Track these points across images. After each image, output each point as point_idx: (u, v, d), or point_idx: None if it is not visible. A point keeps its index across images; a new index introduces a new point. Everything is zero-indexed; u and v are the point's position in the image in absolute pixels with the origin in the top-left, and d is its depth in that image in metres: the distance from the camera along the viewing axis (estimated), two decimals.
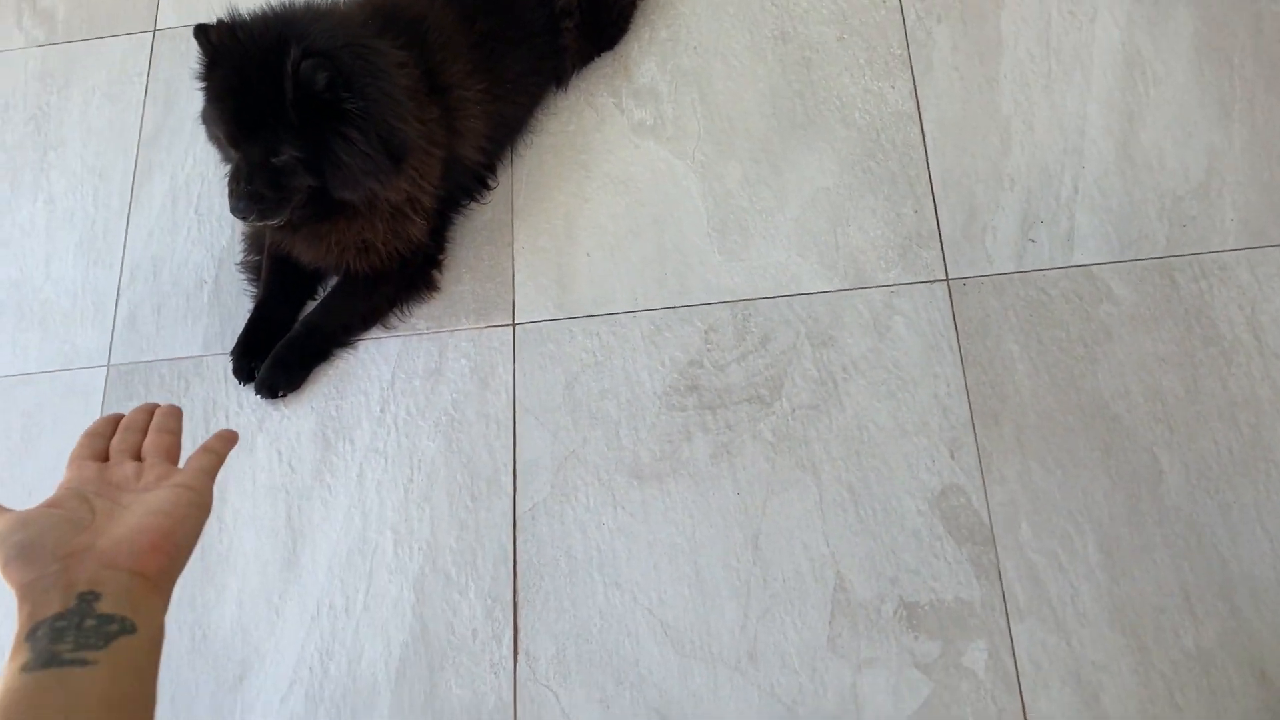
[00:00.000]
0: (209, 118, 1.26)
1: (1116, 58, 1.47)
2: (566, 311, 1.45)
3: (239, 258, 1.54)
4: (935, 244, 1.40)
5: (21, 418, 1.50)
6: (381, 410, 1.43)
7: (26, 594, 0.55)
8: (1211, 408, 1.27)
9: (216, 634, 1.34)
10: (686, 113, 1.54)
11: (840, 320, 1.38)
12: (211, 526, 1.36)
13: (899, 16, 1.55)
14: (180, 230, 1.59)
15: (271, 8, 1.25)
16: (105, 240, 1.60)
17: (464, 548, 1.33)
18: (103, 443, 0.71)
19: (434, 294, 1.48)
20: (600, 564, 1.30)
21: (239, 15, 1.22)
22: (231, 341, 1.47)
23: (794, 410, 1.34)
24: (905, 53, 1.53)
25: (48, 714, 0.50)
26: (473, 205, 1.53)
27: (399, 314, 1.47)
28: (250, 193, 1.22)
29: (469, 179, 1.50)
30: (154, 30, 1.76)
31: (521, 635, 1.28)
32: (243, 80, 1.20)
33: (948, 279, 1.38)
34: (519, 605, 1.30)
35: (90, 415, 1.48)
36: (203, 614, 1.35)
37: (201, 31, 1.21)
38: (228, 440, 0.73)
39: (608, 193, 1.51)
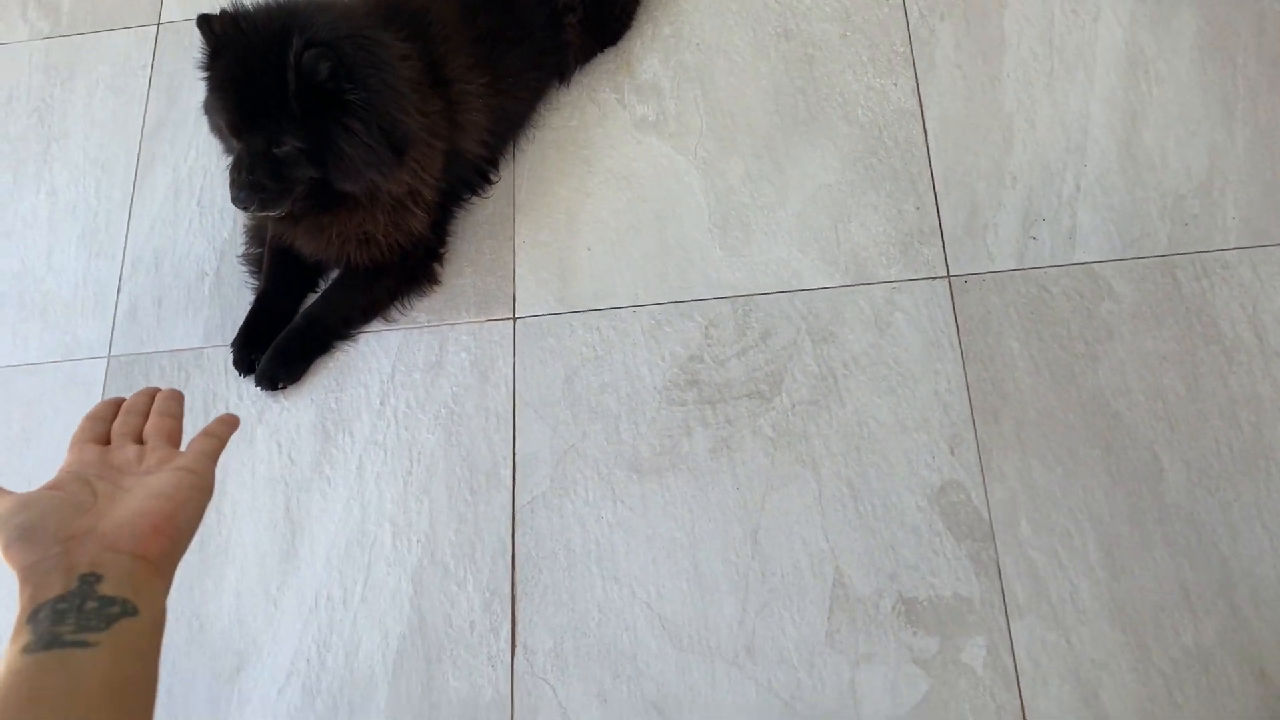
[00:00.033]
0: (211, 107, 1.26)
1: (1119, 56, 1.47)
2: (567, 306, 1.45)
3: (240, 250, 1.54)
4: (937, 241, 1.40)
5: (22, 408, 1.50)
6: (381, 403, 1.43)
7: (28, 576, 0.55)
8: (1212, 406, 1.27)
9: (214, 625, 1.34)
10: (689, 109, 1.54)
11: (841, 316, 1.38)
12: (210, 518, 1.37)
13: (902, 14, 1.55)
14: (182, 223, 1.59)
15: None
16: (107, 232, 1.61)
17: (463, 540, 1.33)
18: (104, 426, 0.71)
19: (435, 287, 1.48)
20: (599, 558, 1.30)
21: (242, 5, 1.23)
22: (232, 334, 1.48)
23: (794, 406, 1.34)
24: (908, 50, 1.53)
25: (49, 695, 0.49)
26: (474, 199, 1.53)
27: (399, 307, 1.47)
28: (252, 183, 1.22)
29: (470, 173, 1.50)
30: (158, 24, 1.76)
31: (519, 628, 1.28)
32: (245, 70, 1.20)
33: (949, 276, 1.38)
34: (517, 598, 1.29)
35: (90, 406, 1.47)
36: (200, 605, 1.35)
37: (205, 21, 1.21)
38: (229, 424, 0.73)
39: (609, 188, 1.51)
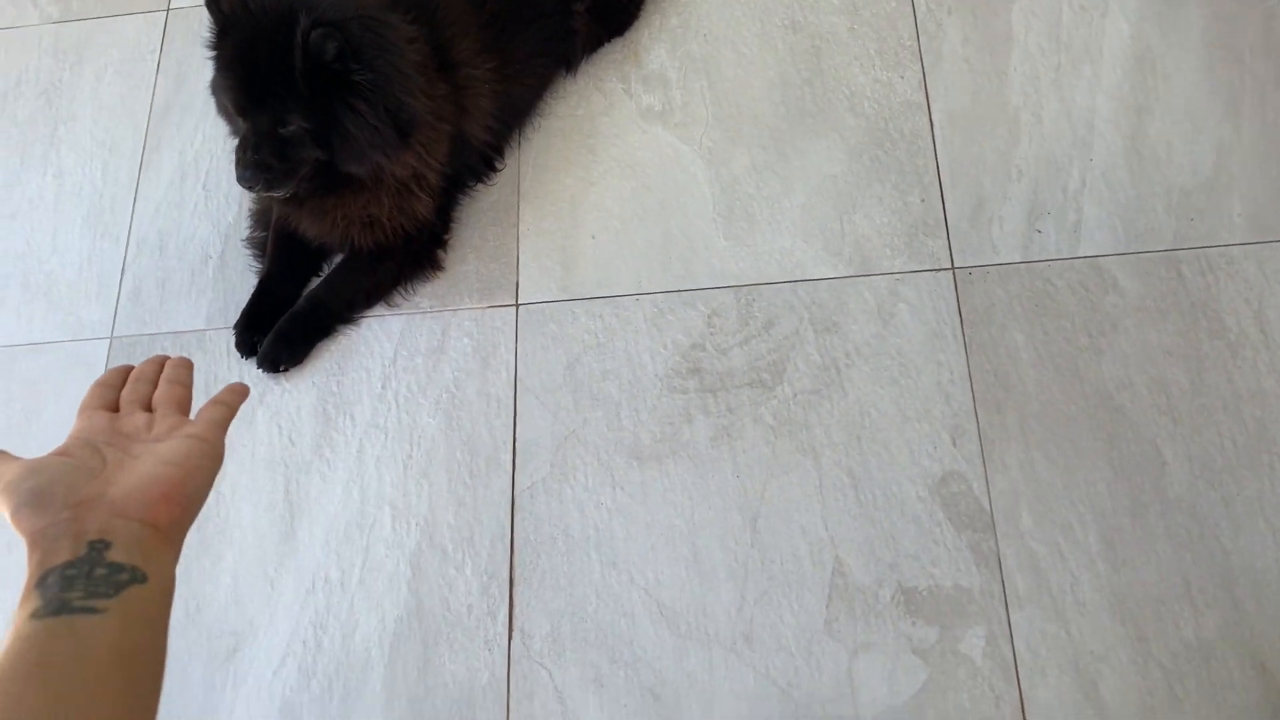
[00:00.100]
0: (219, 87, 1.26)
1: (1126, 53, 1.47)
2: (570, 293, 1.45)
3: (245, 234, 1.54)
4: (941, 233, 1.40)
5: (25, 388, 1.51)
6: (383, 387, 1.42)
7: (37, 541, 0.54)
8: (1216, 401, 1.26)
9: (211, 606, 1.34)
10: (695, 99, 1.55)
11: (844, 307, 1.38)
12: (209, 499, 1.36)
13: (910, 8, 1.55)
14: (187, 206, 1.60)
15: None
16: (113, 214, 1.61)
17: (461, 524, 1.33)
18: (113, 393, 0.70)
19: (438, 273, 1.48)
20: (598, 543, 1.29)
21: None
22: (235, 317, 1.47)
23: (795, 395, 1.33)
24: (915, 44, 1.53)
25: (58, 661, 0.49)
26: (479, 187, 1.53)
27: (403, 292, 1.47)
28: (257, 162, 1.22)
29: (476, 159, 1.50)
30: (167, 9, 1.77)
31: (517, 612, 1.27)
32: (252, 49, 1.20)
33: (953, 268, 1.38)
34: (515, 583, 1.29)
35: None
36: (198, 586, 1.35)
37: (213, 1, 1.21)
38: (239, 393, 0.72)
39: (614, 177, 1.51)
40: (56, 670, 0.48)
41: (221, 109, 1.31)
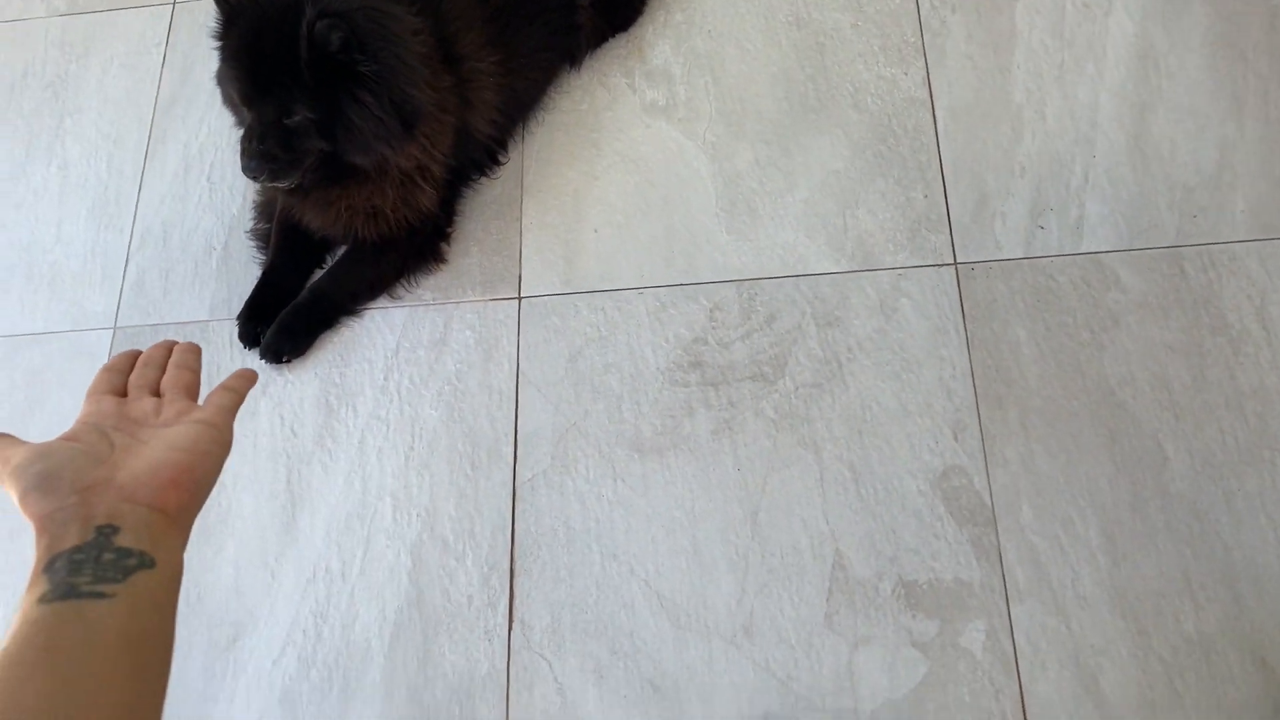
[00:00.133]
0: (224, 77, 1.27)
1: (1130, 50, 1.47)
2: (572, 287, 1.45)
3: (249, 225, 1.55)
4: (944, 228, 1.40)
5: (28, 377, 1.51)
6: (385, 378, 1.43)
7: (45, 525, 0.54)
8: (1218, 397, 1.26)
9: (212, 595, 1.34)
10: (699, 94, 1.55)
11: (847, 301, 1.38)
12: None
13: (914, 5, 1.55)
14: (191, 197, 1.60)
15: None
16: (117, 205, 1.61)
17: (463, 515, 1.33)
18: (121, 378, 0.69)
19: (441, 265, 1.48)
20: (598, 535, 1.29)
21: None
22: (238, 308, 1.48)
23: (797, 389, 1.34)
24: (919, 41, 1.53)
25: (65, 645, 0.48)
26: (483, 180, 1.54)
27: (406, 284, 1.47)
28: (262, 152, 1.23)
29: (480, 152, 1.50)
30: (173, 3, 1.77)
31: (517, 604, 1.28)
32: (258, 39, 1.20)
33: (956, 263, 1.38)
34: (515, 574, 1.29)
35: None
36: (199, 575, 1.35)
37: None
38: (248, 379, 0.72)
39: (618, 171, 1.52)
40: (64, 655, 0.48)
41: (227, 99, 1.32)
